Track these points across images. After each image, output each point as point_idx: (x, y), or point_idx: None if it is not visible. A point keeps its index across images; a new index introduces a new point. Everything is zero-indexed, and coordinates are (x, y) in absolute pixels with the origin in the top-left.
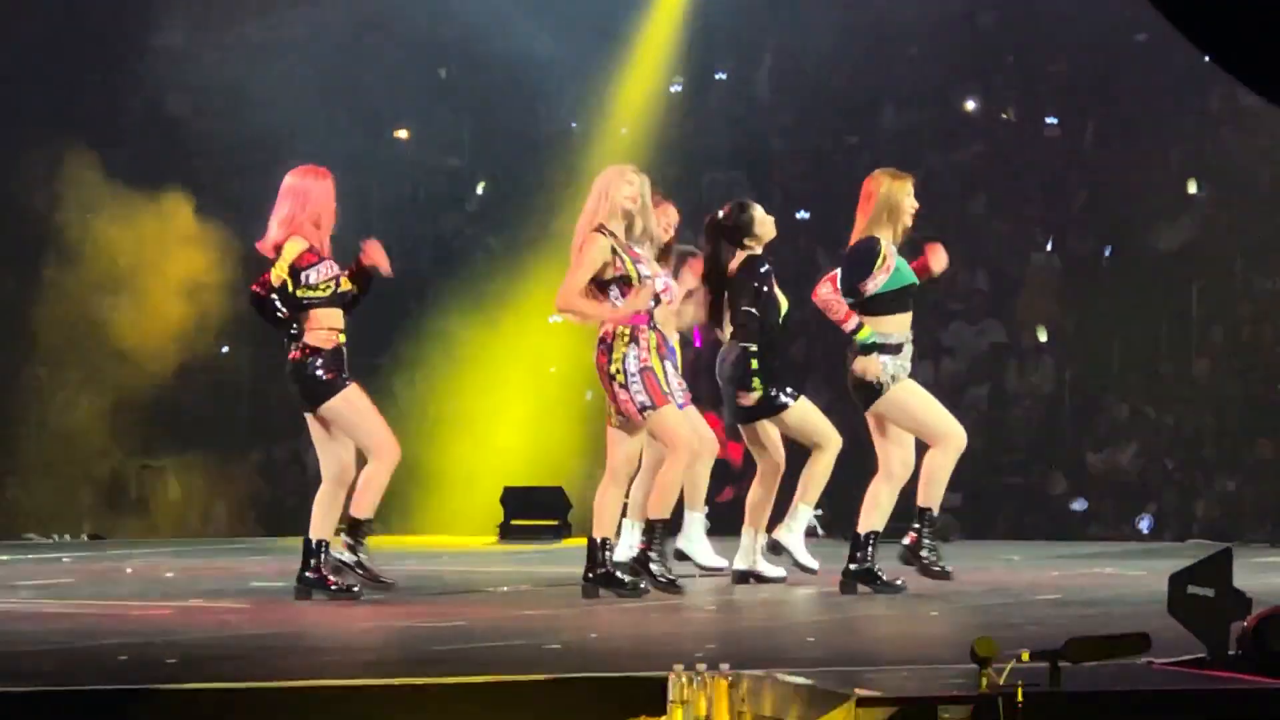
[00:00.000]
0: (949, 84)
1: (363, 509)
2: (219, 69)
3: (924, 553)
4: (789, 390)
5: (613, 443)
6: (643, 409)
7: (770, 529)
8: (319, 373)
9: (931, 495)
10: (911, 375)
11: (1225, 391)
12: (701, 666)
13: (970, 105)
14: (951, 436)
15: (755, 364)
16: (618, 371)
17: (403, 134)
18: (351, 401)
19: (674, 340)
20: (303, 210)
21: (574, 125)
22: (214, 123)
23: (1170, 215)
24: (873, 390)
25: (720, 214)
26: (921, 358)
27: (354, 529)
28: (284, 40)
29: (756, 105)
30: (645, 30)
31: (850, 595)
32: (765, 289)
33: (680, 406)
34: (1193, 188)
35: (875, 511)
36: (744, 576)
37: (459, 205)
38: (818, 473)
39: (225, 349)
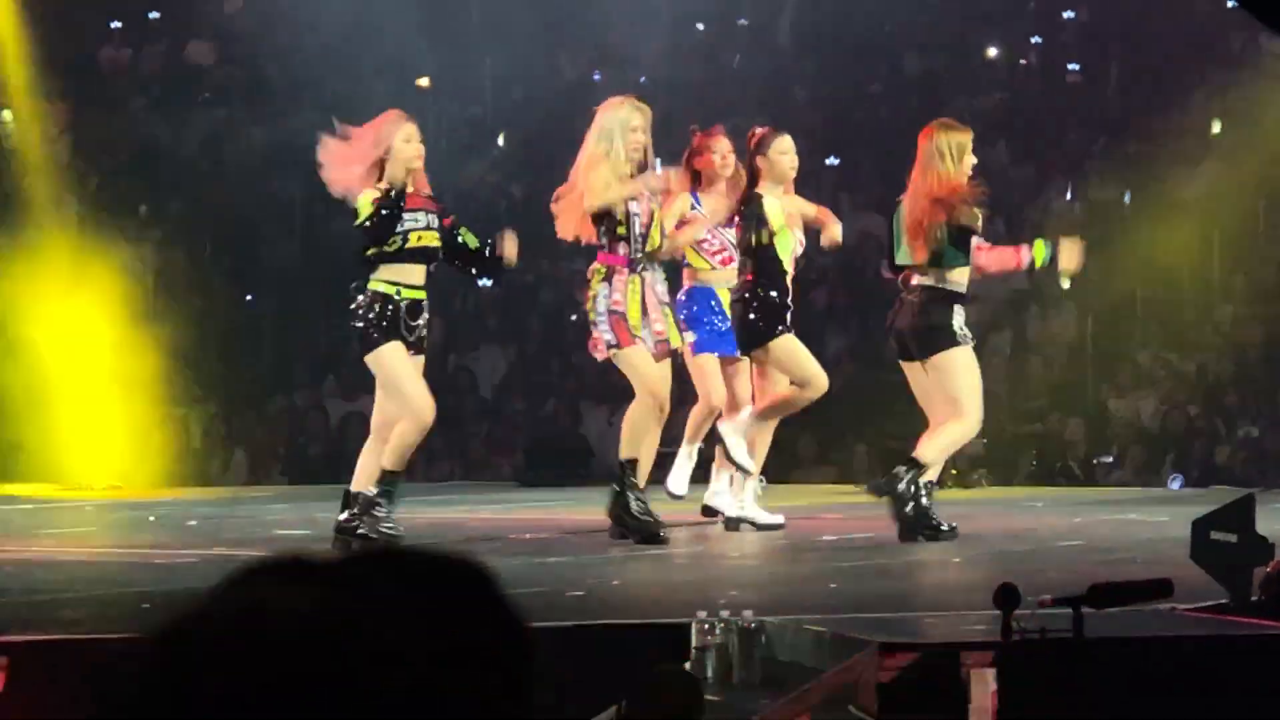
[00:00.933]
0: (970, 30)
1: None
2: (240, 17)
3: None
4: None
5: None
6: (609, 347)
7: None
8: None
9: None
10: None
11: (1247, 338)
12: (724, 614)
13: (991, 52)
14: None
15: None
16: (589, 309)
17: (424, 82)
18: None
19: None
20: None
21: (596, 77)
22: (235, 70)
23: (1192, 161)
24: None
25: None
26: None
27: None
28: None
29: (778, 52)
30: None
31: (879, 543)
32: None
33: (654, 356)
34: (1216, 128)
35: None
36: (736, 523)
37: (481, 154)
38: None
39: (250, 297)
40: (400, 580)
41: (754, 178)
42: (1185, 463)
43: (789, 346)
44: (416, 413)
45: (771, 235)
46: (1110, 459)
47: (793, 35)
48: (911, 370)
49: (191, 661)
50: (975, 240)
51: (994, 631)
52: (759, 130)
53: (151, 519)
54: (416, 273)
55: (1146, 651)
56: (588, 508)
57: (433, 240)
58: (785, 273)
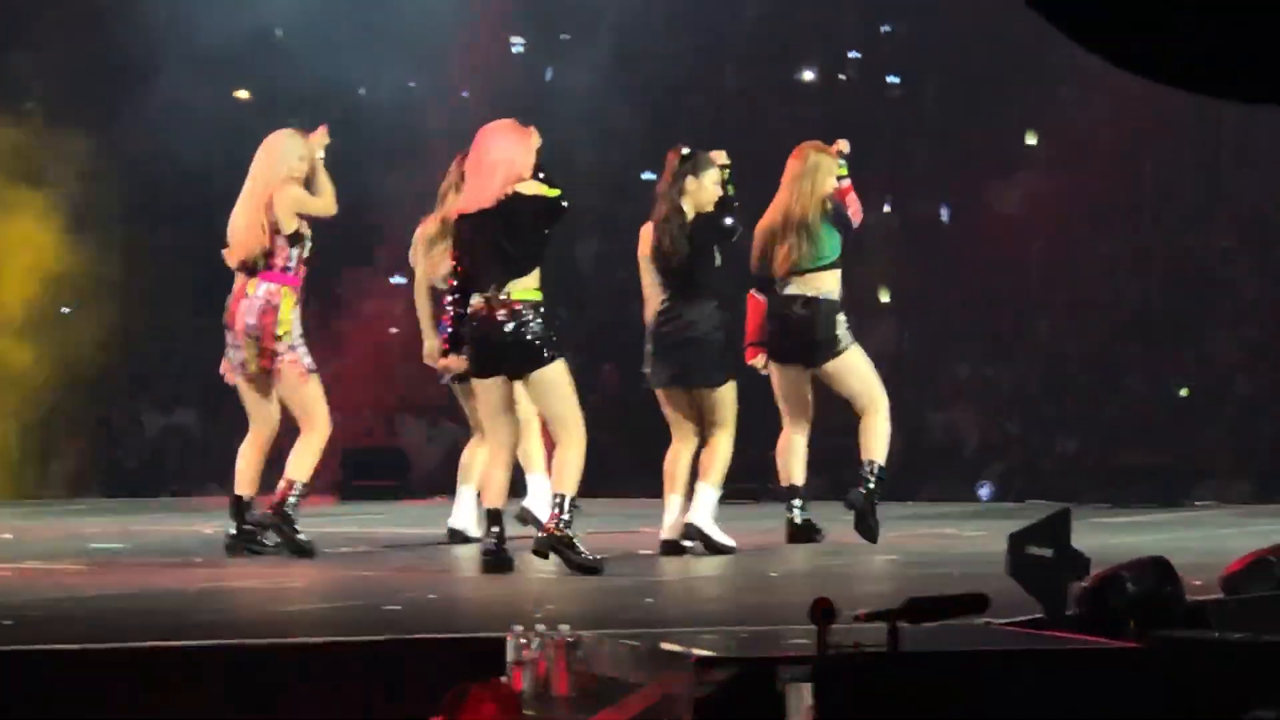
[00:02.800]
0: (789, 44)
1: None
2: (175, 25)
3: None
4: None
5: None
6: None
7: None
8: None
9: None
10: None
11: (1065, 351)
12: (540, 627)
13: (808, 71)
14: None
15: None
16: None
17: (243, 94)
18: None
19: None
20: None
21: (411, 85)
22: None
23: (1009, 175)
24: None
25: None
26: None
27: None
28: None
29: (598, 69)
30: None
31: (683, 556)
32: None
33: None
34: (1031, 139)
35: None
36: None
37: None
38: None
39: (65, 309)
40: None
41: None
42: (1003, 476)
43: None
44: (581, 426)
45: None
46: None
47: (610, 52)
48: (787, 374)
49: None
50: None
51: (811, 646)
52: (684, 151)
53: None
54: None
55: (961, 666)
56: (405, 521)
57: None
58: None
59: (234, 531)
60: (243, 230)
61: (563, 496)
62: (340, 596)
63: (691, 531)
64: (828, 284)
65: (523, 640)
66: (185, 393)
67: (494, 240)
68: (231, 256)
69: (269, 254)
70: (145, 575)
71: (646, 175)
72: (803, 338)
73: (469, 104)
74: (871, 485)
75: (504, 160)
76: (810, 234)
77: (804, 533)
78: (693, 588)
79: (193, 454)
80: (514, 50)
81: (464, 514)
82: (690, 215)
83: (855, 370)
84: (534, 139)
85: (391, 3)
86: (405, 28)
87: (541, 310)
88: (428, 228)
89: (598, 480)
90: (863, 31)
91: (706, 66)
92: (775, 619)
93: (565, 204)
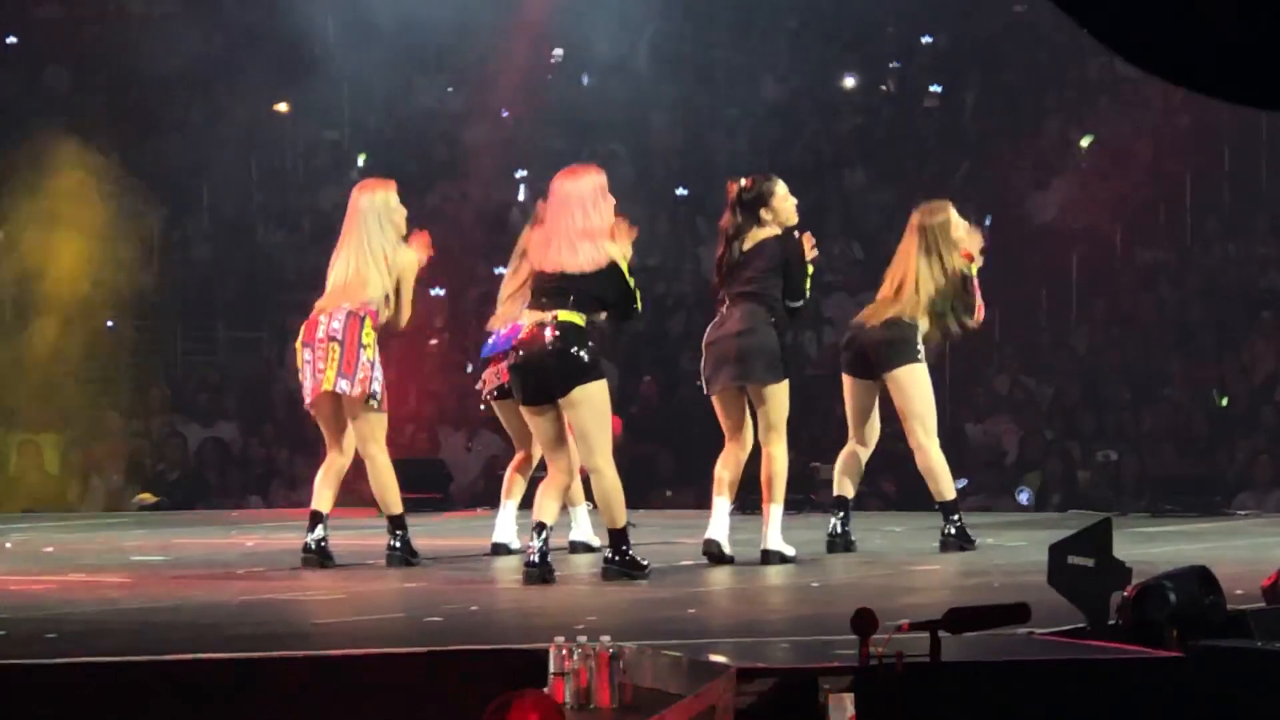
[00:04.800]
0: (828, 55)
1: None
2: (99, 42)
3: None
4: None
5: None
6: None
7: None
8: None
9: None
10: (798, 346)
11: (1105, 362)
12: (582, 639)
13: (850, 77)
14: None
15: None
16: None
17: (283, 107)
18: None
19: None
20: None
21: (450, 90)
22: (95, 97)
23: (1050, 185)
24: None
25: (742, 183)
26: (803, 329)
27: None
28: (162, 12)
29: (637, 78)
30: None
31: (724, 566)
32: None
33: None
34: (1073, 152)
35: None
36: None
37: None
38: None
39: (111, 323)
40: None
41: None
42: (1043, 487)
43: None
44: (610, 458)
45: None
46: (964, 483)
47: (651, 58)
48: (858, 388)
49: None
50: None
51: (852, 657)
52: (743, 183)
53: (8, 545)
54: None
55: (1003, 676)
56: (447, 533)
57: None
58: None
59: (313, 545)
60: (353, 283)
61: (617, 530)
62: (382, 609)
63: (771, 558)
64: (914, 311)
65: (564, 652)
66: (224, 405)
67: (578, 289)
68: (330, 300)
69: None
70: (186, 588)
71: (680, 191)
72: (878, 341)
73: (509, 120)
74: (953, 530)
75: (596, 214)
76: (932, 307)
77: (841, 542)
78: (734, 598)
79: (233, 467)
80: (553, 61)
81: (507, 528)
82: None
83: (921, 392)
84: (602, 176)
85: (429, 18)
86: (444, 43)
87: (585, 333)
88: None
89: (638, 490)
90: (903, 42)
91: (744, 78)
92: (817, 630)
93: (635, 312)
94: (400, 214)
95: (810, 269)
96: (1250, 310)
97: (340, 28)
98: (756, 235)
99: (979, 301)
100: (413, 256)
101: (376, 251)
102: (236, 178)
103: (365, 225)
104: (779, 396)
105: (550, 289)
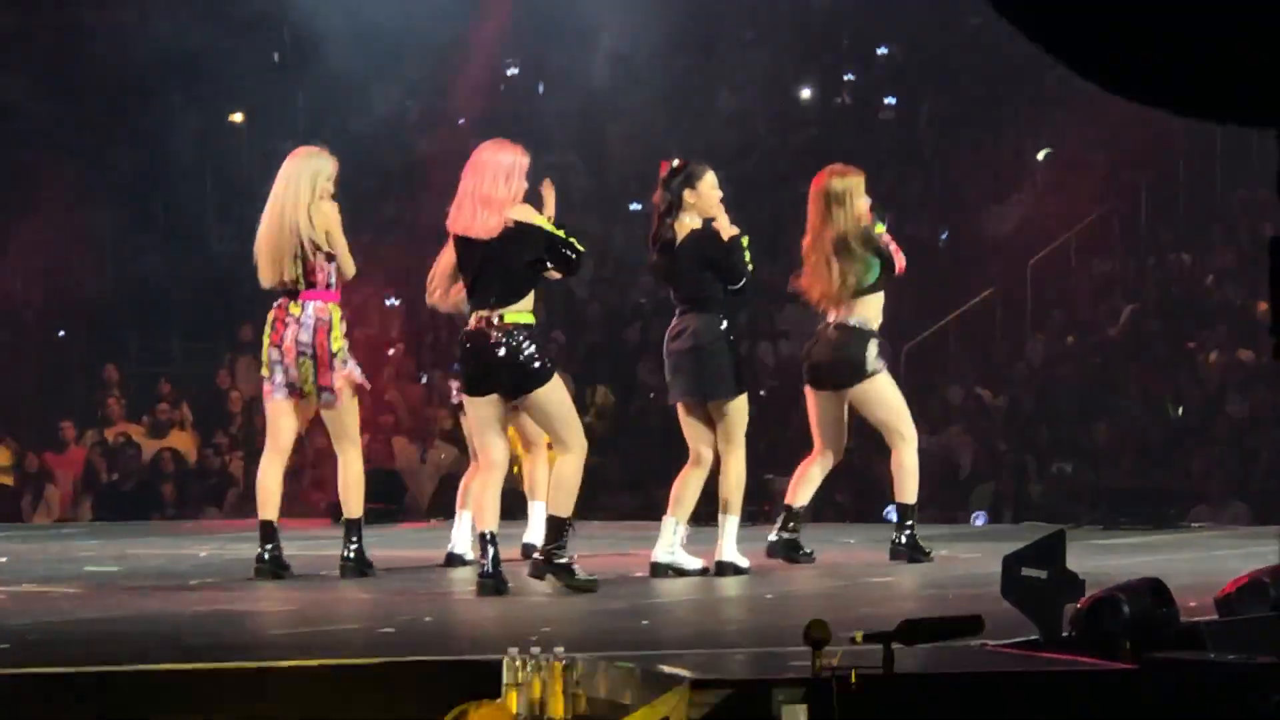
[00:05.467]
0: (784, 67)
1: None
2: (53, 51)
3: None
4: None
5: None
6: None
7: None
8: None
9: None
10: (753, 358)
11: (1060, 373)
12: (536, 649)
13: (805, 88)
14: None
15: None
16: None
17: (238, 117)
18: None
19: None
20: None
21: (406, 100)
22: (48, 106)
23: (1005, 197)
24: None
25: (674, 163)
26: (760, 340)
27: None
28: (116, 22)
29: (592, 91)
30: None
31: (677, 579)
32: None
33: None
34: (1029, 164)
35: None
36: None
37: None
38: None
39: (62, 333)
40: None
41: (673, 208)
42: (997, 499)
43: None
44: (583, 444)
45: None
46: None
47: (606, 73)
48: (821, 399)
49: None
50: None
51: (806, 668)
52: (675, 163)
53: None
54: None
55: (956, 688)
56: (400, 544)
57: None
58: None
59: (266, 556)
60: (275, 249)
61: (558, 519)
62: (335, 619)
63: (725, 569)
64: (864, 310)
65: (518, 662)
66: (179, 416)
67: (494, 265)
68: (265, 278)
69: (310, 272)
70: (140, 598)
71: (634, 206)
72: (832, 360)
73: (464, 129)
74: (904, 538)
75: (504, 185)
76: (849, 258)
77: (784, 549)
78: (688, 609)
79: (187, 477)
80: (508, 74)
81: (462, 538)
82: (693, 227)
83: (884, 401)
84: (526, 159)
85: (386, 27)
86: (400, 53)
87: (534, 333)
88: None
89: (589, 501)
90: (859, 54)
91: (702, 89)
92: (771, 641)
93: (576, 254)
94: (324, 175)
95: (744, 241)
96: (1205, 321)
97: (296, 38)
98: (683, 224)
99: (897, 253)
100: (330, 208)
101: (301, 210)
102: (191, 187)
103: (288, 187)
104: (736, 411)
105: (477, 273)
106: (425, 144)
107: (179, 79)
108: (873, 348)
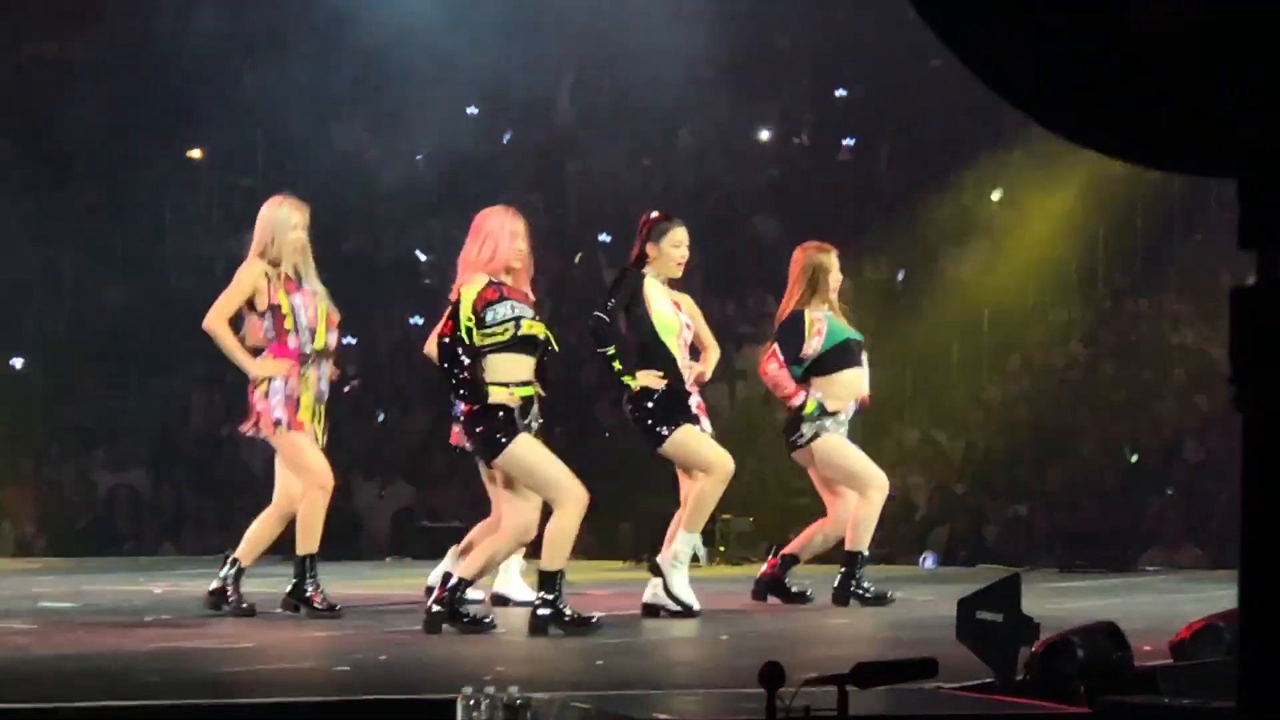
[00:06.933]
0: (744, 106)
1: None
2: (12, 86)
3: (865, 587)
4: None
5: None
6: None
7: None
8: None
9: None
10: (710, 400)
11: (1016, 417)
12: (490, 689)
13: (765, 128)
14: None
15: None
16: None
17: (196, 154)
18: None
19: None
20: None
21: (365, 135)
22: (6, 141)
23: (964, 240)
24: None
25: (653, 215)
26: (716, 381)
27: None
28: (74, 59)
29: (554, 127)
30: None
31: (653, 619)
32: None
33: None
34: (986, 207)
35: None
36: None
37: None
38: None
39: (18, 363)
40: None
41: (640, 263)
42: (952, 541)
43: (683, 438)
44: (579, 494)
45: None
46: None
47: (568, 109)
48: (803, 463)
49: None
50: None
51: (759, 710)
52: (652, 215)
53: None
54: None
55: None
56: (354, 582)
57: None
58: (674, 358)
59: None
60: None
61: (548, 573)
62: (290, 658)
63: (654, 569)
64: (823, 387)
65: (472, 702)
66: (136, 451)
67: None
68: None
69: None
70: (95, 635)
71: (603, 237)
72: (783, 429)
73: (420, 166)
74: (841, 583)
75: (482, 260)
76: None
77: (763, 589)
78: (643, 650)
79: (144, 513)
80: (469, 113)
81: (511, 579)
82: (655, 282)
83: (830, 463)
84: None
85: (346, 63)
86: (360, 89)
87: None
88: None
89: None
90: (817, 95)
91: (661, 129)
92: (725, 682)
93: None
94: (280, 229)
95: (609, 352)
96: (1161, 367)
97: (256, 73)
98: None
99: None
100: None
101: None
102: (150, 223)
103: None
104: (678, 447)
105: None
106: (384, 180)
107: (137, 115)
108: (810, 408)
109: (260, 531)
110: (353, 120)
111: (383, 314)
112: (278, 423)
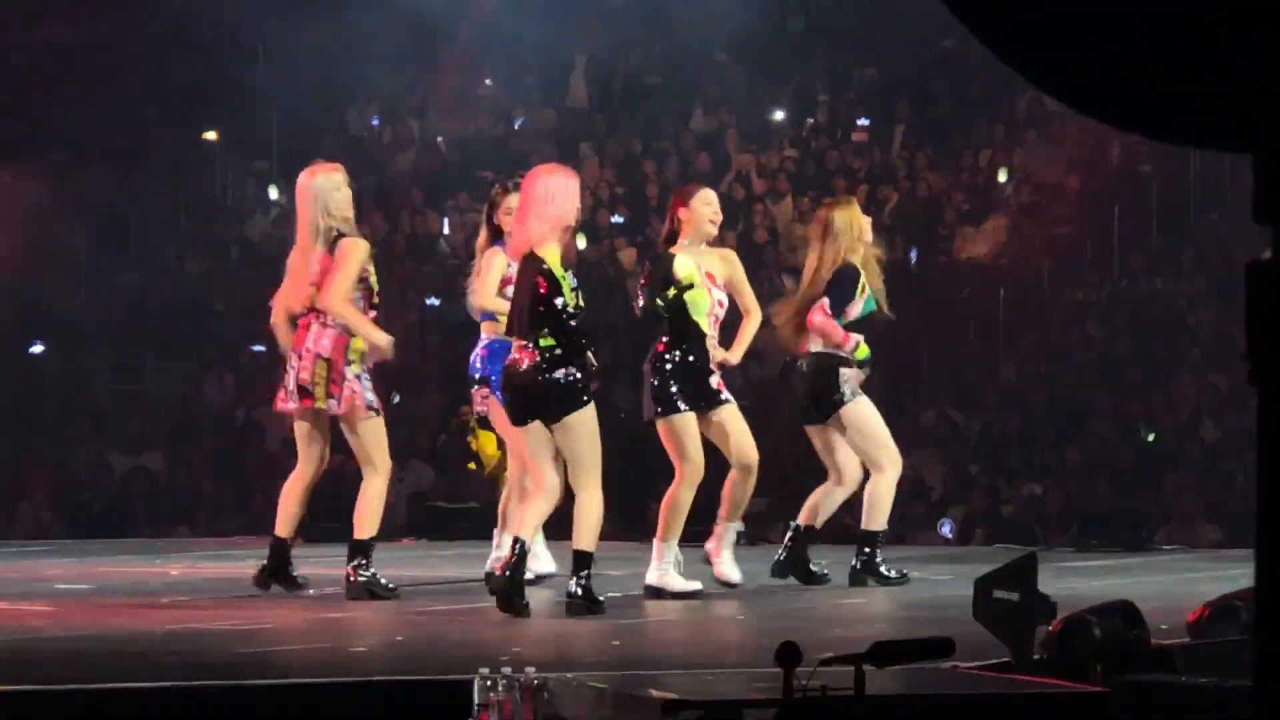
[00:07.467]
0: (758, 87)
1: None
2: (26, 71)
3: (883, 568)
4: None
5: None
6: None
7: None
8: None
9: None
10: (726, 380)
11: (1031, 397)
12: (506, 670)
13: (779, 110)
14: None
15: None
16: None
17: (211, 135)
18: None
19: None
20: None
21: (375, 122)
22: (21, 125)
23: (977, 219)
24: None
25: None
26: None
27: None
28: (90, 41)
29: (569, 108)
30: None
31: (665, 599)
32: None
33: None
34: (1003, 176)
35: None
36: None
37: (269, 208)
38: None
39: (34, 349)
40: None
41: (673, 234)
42: (968, 521)
43: (678, 424)
44: (598, 475)
45: (680, 293)
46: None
47: (583, 91)
48: (813, 434)
49: None
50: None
51: (777, 689)
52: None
53: None
54: None
55: (927, 709)
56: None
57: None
58: (703, 335)
59: (269, 568)
60: (305, 275)
61: (582, 553)
62: (307, 638)
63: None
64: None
65: (489, 683)
66: (151, 434)
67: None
68: (295, 302)
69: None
70: (111, 616)
71: (616, 219)
72: (803, 394)
73: (439, 146)
74: (860, 564)
75: (549, 215)
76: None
77: (781, 568)
78: (659, 630)
79: (159, 496)
80: (483, 92)
81: (539, 555)
82: (684, 259)
83: (859, 429)
84: (577, 183)
85: (360, 46)
86: (374, 72)
87: (562, 356)
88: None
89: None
90: (832, 75)
91: (675, 110)
92: (742, 662)
93: (570, 315)
94: (338, 195)
95: (670, 293)
96: (1177, 346)
97: (270, 56)
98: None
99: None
100: (350, 243)
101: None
102: (164, 206)
103: (310, 210)
104: (667, 430)
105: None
106: (399, 163)
107: (151, 97)
108: (843, 374)
109: (295, 508)
110: (367, 104)
111: (398, 296)
112: (370, 406)
